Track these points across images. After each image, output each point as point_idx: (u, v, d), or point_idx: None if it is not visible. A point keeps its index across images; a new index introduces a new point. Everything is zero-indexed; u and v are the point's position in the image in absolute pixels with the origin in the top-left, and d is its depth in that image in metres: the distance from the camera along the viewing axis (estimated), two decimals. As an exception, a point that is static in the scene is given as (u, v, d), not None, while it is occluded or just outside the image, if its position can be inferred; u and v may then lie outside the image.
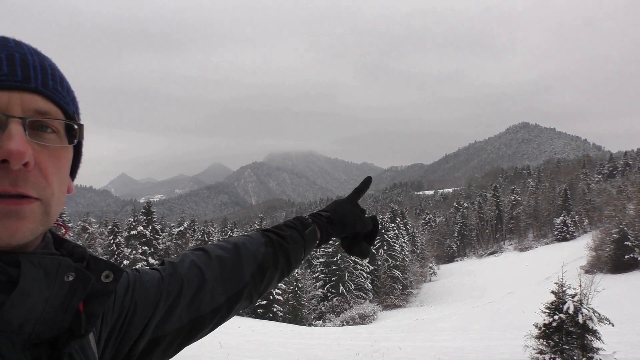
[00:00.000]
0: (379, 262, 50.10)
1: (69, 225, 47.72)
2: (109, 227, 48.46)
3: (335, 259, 46.31)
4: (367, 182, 1.44)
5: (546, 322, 9.55)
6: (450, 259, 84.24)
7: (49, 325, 0.72)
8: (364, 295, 46.23)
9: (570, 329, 9.16)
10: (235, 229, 49.25)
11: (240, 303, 1.13)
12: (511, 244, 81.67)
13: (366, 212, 1.38)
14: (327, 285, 45.85)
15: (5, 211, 0.68)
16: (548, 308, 9.68)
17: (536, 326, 9.81)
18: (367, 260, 48.59)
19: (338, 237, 1.35)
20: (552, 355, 9.25)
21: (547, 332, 9.46)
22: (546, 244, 72.60)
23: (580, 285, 10.04)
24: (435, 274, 62.56)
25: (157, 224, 48.95)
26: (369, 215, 1.38)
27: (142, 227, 45.80)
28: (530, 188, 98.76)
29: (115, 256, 44.69)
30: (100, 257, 0.83)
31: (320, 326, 37.98)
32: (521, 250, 73.25)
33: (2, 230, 0.67)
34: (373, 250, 51.40)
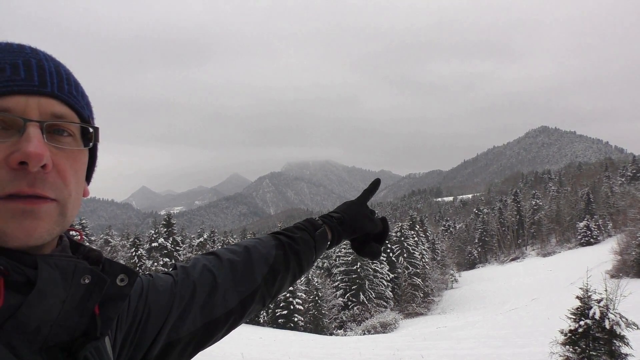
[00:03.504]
0: (399, 270, 49.75)
1: (92, 238, 48.42)
2: (130, 240, 49.04)
3: (355, 267, 46.12)
4: (376, 183, 1.45)
5: (572, 328, 9.37)
6: (471, 265, 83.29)
7: (65, 327, 0.73)
8: (384, 303, 45.90)
9: (597, 334, 8.98)
10: (255, 239, 49.40)
11: (253, 306, 1.14)
12: (533, 250, 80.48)
13: (375, 214, 1.38)
14: (348, 294, 45.65)
15: (22, 210, 0.69)
16: (573, 314, 9.51)
17: (562, 332, 9.63)
18: (387, 269, 48.32)
19: (349, 238, 1.35)
20: (579, 362, 9.06)
21: (573, 339, 9.28)
22: (569, 248, 71.36)
23: (606, 290, 9.84)
24: (456, 281, 61.88)
25: (178, 236, 49.41)
26: (379, 216, 1.39)
27: (163, 239, 46.28)
28: (552, 192, 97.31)
29: (137, 268, 45.16)
30: (116, 260, 0.83)
31: (342, 335, 37.79)
32: (544, 255, 72.11)
33: (19, 229, 0.69)
34: (393, 258, 51.14)
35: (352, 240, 1.36)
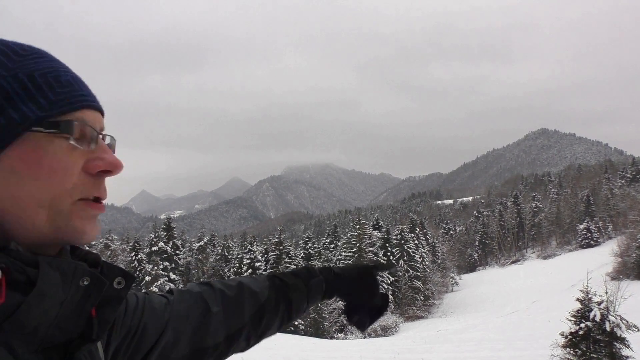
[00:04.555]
0: (400, 273, 49.69)
1: (92, 243, 48.34)
2: (130, 244, 49.00)
3: (355, 270, 46.05)
4: (392, 265, 1.46)
5: (572, 330, 9.36)
6: (472, 268, 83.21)
7: (62, 329, 0.74)
8: (385, 306, 45.82)
9: (597, 337, 8.97)
10: (255, 243, 49.38)
11: (238, 342, 1.14)
12: (534, 252, 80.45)
13: (379, 288, 1.32)
14: (348, 298, 45.57)
15: (97, 214, 0.79)
16: (574, 316, 9.50)
17: (562, 335, 9.62)
18: (387, 272, 48.21)
19: (343, 298, 1.30)
20: (580, 365, 9.05)
21: (573, 341, 9.27)
22: (570, 251, 71.34)
23: (606, 292, 9.85)
24: (457, 284, 61.80)
25: (178, 240, 49.37)
26: (383, 292, 1.33)
27: (163, 243, 46.25)
28: (552, 195, 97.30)
29: (137, 272, 45.13)
30: (114, 263, 0.85)
31: (342, 339, 37.72)
32: (544, 257, 72.07)
33: (94, 230, 0.79)
34: (393, 261, 51.04)
35: (346, 303, 1.30)
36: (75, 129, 0.76)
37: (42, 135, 0.74)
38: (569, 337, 9.37)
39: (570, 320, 9.52)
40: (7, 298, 0.67)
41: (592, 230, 68.28)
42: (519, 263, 75.78)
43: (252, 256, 43.51)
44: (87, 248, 0.88)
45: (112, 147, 0.86)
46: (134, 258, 46.05)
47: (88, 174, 0.77)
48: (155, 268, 43.68)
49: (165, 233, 47.76)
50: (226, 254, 49.08)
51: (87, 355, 0.79)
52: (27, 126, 0.73)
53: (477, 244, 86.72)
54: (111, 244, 46.38)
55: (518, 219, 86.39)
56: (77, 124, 0.76)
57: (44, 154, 0.73)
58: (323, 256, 55.89)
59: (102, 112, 0.84)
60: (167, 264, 45.44)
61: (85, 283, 0.75)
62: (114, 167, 0.80)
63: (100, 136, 0.81)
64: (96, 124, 0.80)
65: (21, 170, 0.72)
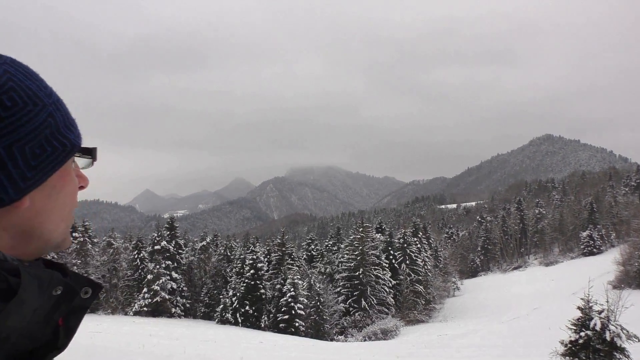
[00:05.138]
0: (402, 277, 49.64)
1: (95, 240, 48.52)
2: (133, 242, 49.14)
3: (357, 273, 46.04)
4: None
5: (572, 339, 9.37)
6: (473, 273, 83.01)
7: (31, 337, 0.77)
8: (386, 310, 45.79)
9: (597, 346, 8.98)
10: (258, 244, 49.42)
11: None
12: (536, 259, 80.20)
13: None
14: (349, 300, 45.56)
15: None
16: (574, 324, 9.51)
17: (562, 343, 9.63)
18: (389, 275, 48.20)
19: None
20: (579, 373, 9.05)
21: (573, 350, 9.28)
22: (572, 258, 71.08)
23: (607, 301, 9.85)
24: (458, 288, 61.70)
25: (180, 239, 49.47)
26: None
27: (165, 242, 46.35)
28: (555, 201, 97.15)
29: (140, 271, 45.26)
30: (80, 273, 0.88)
31: (342, 341, 37.71)
32: (546, 264, 71.83)
33: (69, 239, 0.91)
34: (395, 265, 51.02)
35: None
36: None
37: (71, 159, 0.89)
38: (569, 345, 9.39)
39: (571, 329, 9.53)
40: None
41: (595, 238, 68.04)
42: (520, 269, 75.56)
43: (254, 257, 43.54)
44: (50, 257, 0.95)
45: None
46: (136, 256, 46.18)
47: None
48: (158, 267, 43.79)
49: (168, 232, 47.87)
50: (229, 254, 49.12)
51: None
52: (74, 152, 0.88)
53: (479, 249, 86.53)
54: (114, 242, 46.50)
55: (521, 225, 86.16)
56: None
57: (71, 173, 0.89)
58: (325, 258, 55.89)
59: None
60: (170, 262, 45.53)
61: (58, 292, 0.79)
62: (87, 183, 0.93)
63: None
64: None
65: (59, 188, 0.86)
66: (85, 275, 0.92)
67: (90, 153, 0.92)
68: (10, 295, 0.73)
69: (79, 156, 0.91)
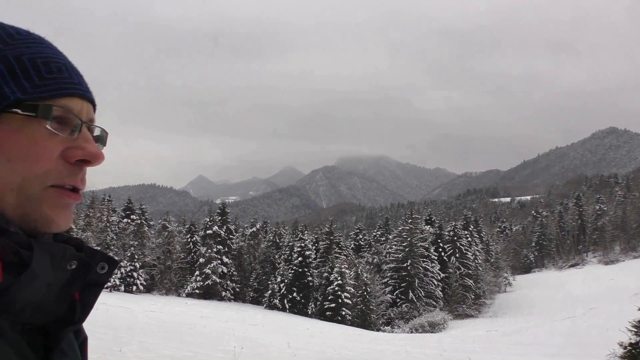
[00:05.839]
0: (451, 270, 48.89)
1: (151, 223, 50.46)
2: (186, 226, 50.77)
3: (405, 264, 45.70)
4: None
5: (633, 341, 8.94)
6: (526, 269, 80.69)
7: (46, 311, 0.77)
8: (434, 303, 45.28)
9: (659, 350, 8.52)
10: (306, 232, 49.89)
11: None
12: (595, 257, 76.98)
13: None
14: (397, 291, 45.34)
15: (70, 203, 0.80)
16: (635, 326, 9.05)
17: (621, 345, 9.20)
18: (438, 268, 47.59)
19: None
20: (638, 378, 8.63)
21: (633, 352, 8.85)
22: (635, 257, 67.73)
23: (672, 304, 9.31)
24: (510, 284, 60.16)
25: (231, 225, 50.67)
26: None
27: (217, 227, 47.60)
28: (618, 197, 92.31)
29: (192, 254, 46.74)
30: (96, 248, 0.85)
31: (389, 332, 37.63)
32: (606, 263, 68.81)
33: (64, 219, 0.79)
34: (445, 258, 50.30)
35: None
36: (54, 114, 0.77)
37: (21, 117, 0.75)
38: (629, 348, 8.95)
39: (631, 331, 9.08)
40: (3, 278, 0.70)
41: (661, 237, 64.52)
42: (578, 267, 72.86)
43: (302, 244, 44.02)
44: (66, 233, 0.87)
45: (101, 139, 0.87)
46: (189, 240, 47.68)
47: (66, 162, 0.78)
48: (209, 251, 45.06)
49: (219, 217, 49.10)
50: (277, 241, 49.90)
51: (67, 341, 0.82)
52: (4, 107, 0.75)
53: (533, 244, 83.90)
54: (168, 225, 48.18)
55: (579, 221, 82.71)
56: (57, 109, 0.78)
57: (19, 136, 0.75)
58: (373, 248, 55.78)
59: (93, 103, 0.85)
60: (221, 247, 46.75)
61: (73, 267, 0.78)
62: (93, 158, 0.80)
63: (85, 126, 0.81)
64: (82, 114, 0.81)
65: None
66: (102, 250, 0.86)
67: (36, 110, 0.76)
68: (21, 269, 0.72)
69: (13, 112, 0.75)
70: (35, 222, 0.77)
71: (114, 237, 43.49)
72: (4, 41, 0.78)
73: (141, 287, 40.77)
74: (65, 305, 0.79)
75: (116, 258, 0.87)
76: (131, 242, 42.89)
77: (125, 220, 45.38)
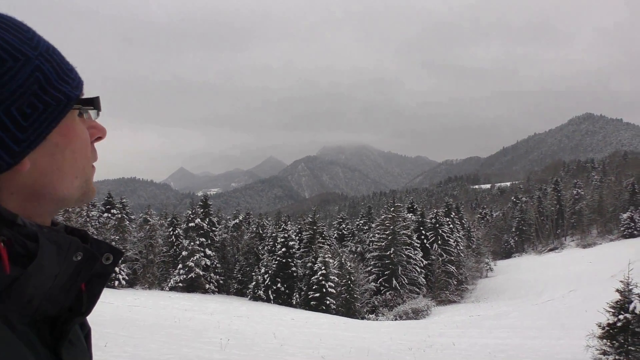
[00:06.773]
0: (433, 257, 49.38)
1: (132, 217, 49.89)
2: (168, 219, 50.30)
3: (388, 252, 46.03)
4: None
5: (610, 321, 9.15)
6: (507, 254, 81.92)
7: (53, 302, 0.78)
8: (417, 290, 45.75)
9: (636, 329, 8.74)
10: (289, 222, 49.85)
11: None
12: (573, 240, 78.49)
13: None
14: (380, 279, 45.69)
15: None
16: (612, 307, 9.27)
17: (599, 326, 9.42)
18: (420, 255, 48.03)
19: None
20: (617, 357, 8.85)
21: (611, 332, 9.06)
22: (611, 240, 69.24)
23: (648, 284, 9.54)
24: (491, 269, 61.04)
25: (214, 217, 50.36)
26: None
27: (199, 220, 47.27)
28: (595, 182, 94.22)
29: (175, 247, 46.38)
30: (101, 239, 0.88)
31: (373, 320, 37.94)
32: (584, 246, 70.18)
33: (91, 191, 0.88)
34: (427, 245, 50.75)
35: None
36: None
37: (73, 111, 0.83)
38: (607, 328, 9.17)
39: (609, 312, 9.30)
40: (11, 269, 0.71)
41: (636, 220, 65.99)
42: (557, 251, 74.14)
43: (286, 235, 44.00)
44: (68, 224, 0.93)
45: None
46: (171, 233, 47.29)
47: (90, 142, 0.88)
48: (192, 243, 44.76)
49: (202, 210, 48.77)
50: (260, 232, 49.78)
51: (74, 332, 0.84)
52: (71, 105, 0.81)
53: (513, 230, 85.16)
54: (150, 219, 47.66)
55: (558, 206, 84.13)
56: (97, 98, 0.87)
57: (75, 127, 0.83)
58: (356, 237, 56.03)
59: None
60: (204, 240, 46.48)
61: (78, 258, 0.79)
62: (104, 133, 0.89)
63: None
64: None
65: (63, 145, 0.81)
66: (106, 241, 0.89)
67: (93, 103, 0.86)
68: (28, 260, 0.73)
69: (78, 109, 0.84)
70: (87, 197, 0.86)
71: (95, 232, 42.87)
72: (33, 47, 0.79)
73: (123, 282, 40.38)
74: (73, 296, 0.81)
75: (121, 249, 0.89)
76: (112, 237, 42.37)
77: (105, 214, 44.76)
